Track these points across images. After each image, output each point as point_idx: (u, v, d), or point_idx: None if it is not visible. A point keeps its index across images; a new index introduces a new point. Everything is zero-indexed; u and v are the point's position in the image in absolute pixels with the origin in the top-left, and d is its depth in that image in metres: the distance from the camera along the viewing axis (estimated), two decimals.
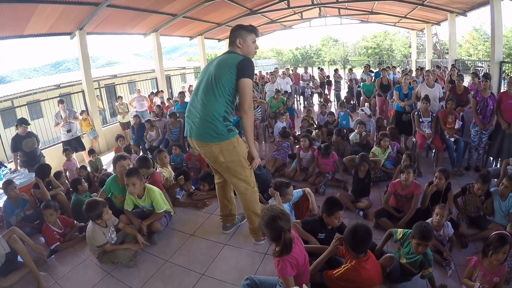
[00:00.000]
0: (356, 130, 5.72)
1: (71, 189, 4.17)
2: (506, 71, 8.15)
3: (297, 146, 5.40)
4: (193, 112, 2.59)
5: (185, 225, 3.47)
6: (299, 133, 6.93)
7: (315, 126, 6.88)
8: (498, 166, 4.75)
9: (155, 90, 10.52)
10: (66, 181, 4.70)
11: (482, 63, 13.39)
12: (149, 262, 2.93)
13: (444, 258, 2.79)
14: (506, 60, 11.24)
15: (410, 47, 26.61)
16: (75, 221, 3.53)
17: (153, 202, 3.21)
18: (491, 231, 3.07)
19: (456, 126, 4.97)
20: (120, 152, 5.51)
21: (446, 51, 22.21)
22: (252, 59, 2.64)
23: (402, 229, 2.63)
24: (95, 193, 4.32)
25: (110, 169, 5.88)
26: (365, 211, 3.86)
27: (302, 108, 11.45)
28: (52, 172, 4.29)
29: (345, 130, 5.52)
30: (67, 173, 5.43)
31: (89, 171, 5.53)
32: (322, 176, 4.74)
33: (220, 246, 3.00)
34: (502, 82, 7.76)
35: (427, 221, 2.99)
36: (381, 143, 4.73)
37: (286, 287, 1.94)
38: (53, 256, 3.14)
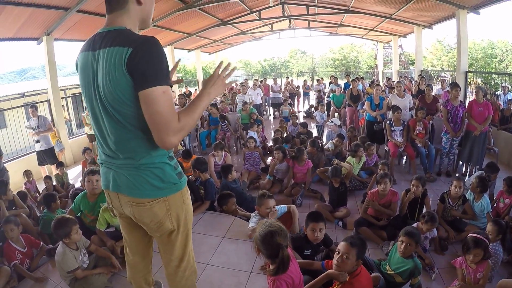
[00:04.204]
0: (334, 141, 5.84)
1: (41, 207, 3.80)
2: (469, 80, 8.54)
3: (271, 158, 5.43)
4: (110, 153, 1.44)
5: None
6: (271, 144, 6.94)
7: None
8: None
9: None
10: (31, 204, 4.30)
11: (445, 73, 14.20)
12: (127, 287, 2.70)
13: (427, 263, 2.92)
14: (470, 70, 11.91)
15: (375, 58, 27.68)
16: (42, 243, 3.23)
17: None
18: (468, 232, 3.25)
19: (418, 128, 5.23)
20: (87, 165, 5.23)
21: (411, 62, 23.35)
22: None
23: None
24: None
25: (77, 185, 5.57)
26: (343, 221, 3.90)
27: (272, 119, 11.53)
28: (16, 189, 3.93)
29: (319, 141, 5.57)
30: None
31: (55, 184, 5.22)
32: (298, 186, 4.75)
33: (201, 266, 2.83)
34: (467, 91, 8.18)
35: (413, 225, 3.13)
36: (358, 153, 4.83)
37: None
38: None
